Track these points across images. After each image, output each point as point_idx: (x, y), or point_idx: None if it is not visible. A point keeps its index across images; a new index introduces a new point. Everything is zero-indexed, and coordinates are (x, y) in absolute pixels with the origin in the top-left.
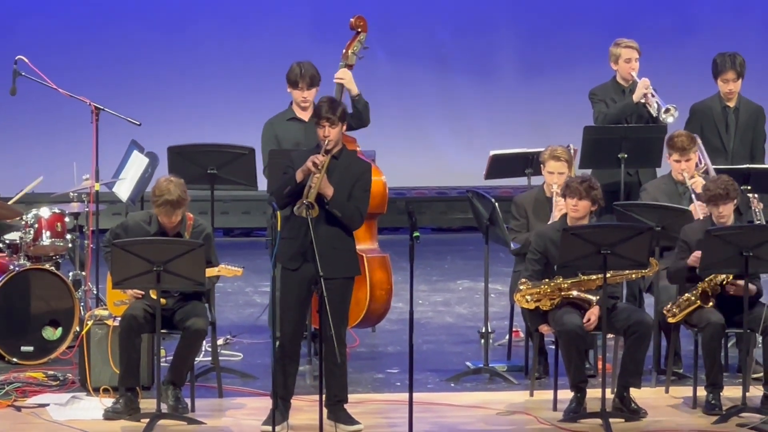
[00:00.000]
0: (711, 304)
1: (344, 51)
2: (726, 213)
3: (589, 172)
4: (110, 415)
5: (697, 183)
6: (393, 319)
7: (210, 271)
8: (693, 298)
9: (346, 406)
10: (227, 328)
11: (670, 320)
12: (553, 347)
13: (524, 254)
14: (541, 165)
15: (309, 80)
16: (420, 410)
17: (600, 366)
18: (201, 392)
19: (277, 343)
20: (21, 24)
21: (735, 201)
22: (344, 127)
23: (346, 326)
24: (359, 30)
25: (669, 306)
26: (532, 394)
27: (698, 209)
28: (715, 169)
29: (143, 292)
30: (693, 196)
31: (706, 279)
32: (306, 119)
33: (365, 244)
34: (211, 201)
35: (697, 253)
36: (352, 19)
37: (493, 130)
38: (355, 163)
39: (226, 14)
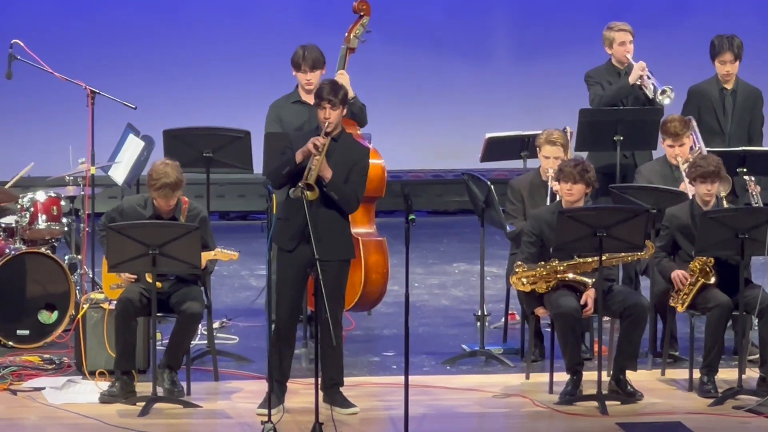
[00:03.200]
0: (714, 279)
1: (346, 34)
2: (714, 191)
3: (584, 154)
4: (106, 398)
5: None
6: (389, 302)
7: (206, 255)
8: (693, 279)
9: (341, 389)
10: (223, 311)
11: (680, 309)
12: (549, 330)
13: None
14: (537, 149)
15: (312, 62)
16: (416, 393)
17: (596, 349)
18: (197, 375)
19: (273, 326)
20: (16, 7)
21: (720, 182)
22: (345, 110)
23: (342, 309)
24: (362, 13)
25: (673, 296)
26: (528, 377)
27: (689, 189)
28: (710, 151)
29: (136, 276)
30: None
31: (696, 258)
32: (311, 102)
33: (362, 227)
34: (206, 184)
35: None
36: (355, 3)
37: (489, 113)
38: (354, 146)
39: None
